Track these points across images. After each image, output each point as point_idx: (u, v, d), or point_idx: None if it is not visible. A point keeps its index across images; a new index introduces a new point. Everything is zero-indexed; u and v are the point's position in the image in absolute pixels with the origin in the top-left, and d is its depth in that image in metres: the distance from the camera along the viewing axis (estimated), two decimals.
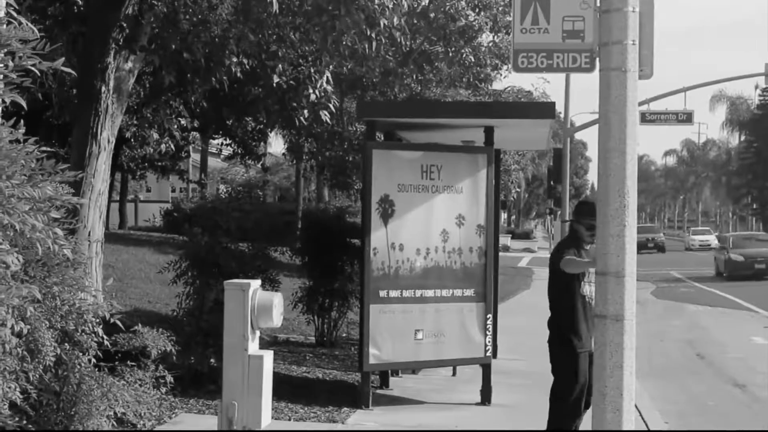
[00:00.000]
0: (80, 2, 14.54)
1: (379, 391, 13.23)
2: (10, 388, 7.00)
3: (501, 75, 29.39)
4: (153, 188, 68.87)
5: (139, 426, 9.63)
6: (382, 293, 12.08)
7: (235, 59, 14.36)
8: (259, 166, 38.26)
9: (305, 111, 15.57)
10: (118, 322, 8.67)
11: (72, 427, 8.23)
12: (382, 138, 14.68)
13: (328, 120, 16.33)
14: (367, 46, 15.16)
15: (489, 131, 12.82)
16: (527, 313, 24.51)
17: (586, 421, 8.90)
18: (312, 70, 15.20)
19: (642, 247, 60.86)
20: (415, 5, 21.47)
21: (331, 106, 15.74)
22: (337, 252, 16.53)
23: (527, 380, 14.35)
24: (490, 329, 12.83)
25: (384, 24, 14.36)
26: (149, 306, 19.50)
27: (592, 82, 8.47)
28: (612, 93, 8.15)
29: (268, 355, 9.51)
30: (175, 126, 30.10)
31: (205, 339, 12.09)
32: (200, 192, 34.38)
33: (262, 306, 9.42)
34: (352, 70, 22.52)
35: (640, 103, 37.71)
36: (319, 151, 28.33)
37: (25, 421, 7.68)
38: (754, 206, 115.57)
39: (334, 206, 18.96)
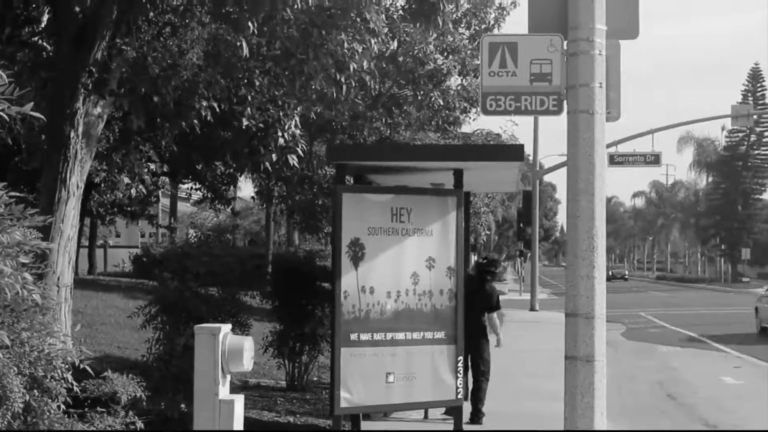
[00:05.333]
0: (49, 48, 14.54)
1: None
2: None
3: (470, 118, 29.48)
4: (122, 233, 68.63)
5: None
6: (353, 336, 12.04)
7: (204, 103, 14.39)
8: (228, 210, 38.16)
9: (273, 155, 15.57)
10: (88, 368, 8.59)
11: None
12: (352, 181, 14.70)
13: (297, 164, 16.34)
14: (335, 90, 15.22)
15: (458, 174, 12.85)
16: (497, 355, 24.48)
17: None
18: (280, 114, 15.22)
19: None
20: (384, 49, 21.57)
21: (299, 149, 15.76)
22: (308, 295, 16.49)
23: (498, 422, 14.33)
24: (461, 372, 12.81)
25: (353, 68, 14.43)
26: (119, 351, 19.38)
27: (561, 125, 8.55)
28: (580, 135, 8.23)
29: (239, 400, 9.47)
30: (146, 170, 30.05)
31: (175, 384, 12.02)
32: (170, 237, 34.30)
33: (233, 350, 9.38)
34: (321, 113, 22.55)
35: (608, 145, 38.01)
36: (288, 194, 28.32)
37: None
38: (723, 247, 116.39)
39: (304, 250, 18.96)
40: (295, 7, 12.86)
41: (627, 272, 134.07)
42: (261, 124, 15.19)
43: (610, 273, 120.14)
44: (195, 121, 14.83)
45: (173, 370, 12.11)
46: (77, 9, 13.18)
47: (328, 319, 15.02)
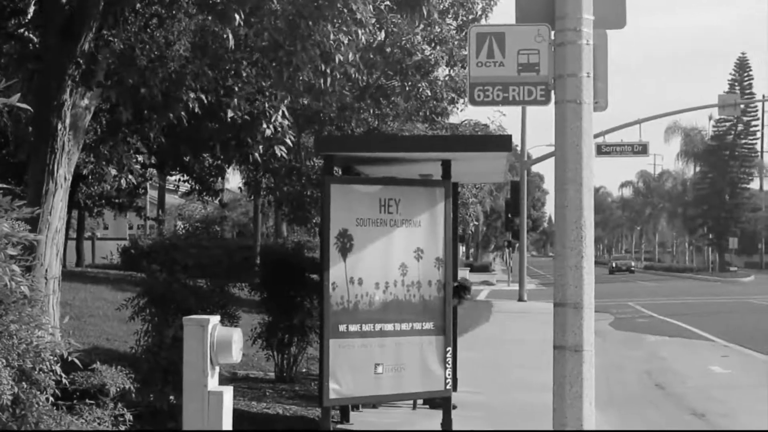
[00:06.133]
0: (36, 40, 14.50)
1: (339, 426, 13.20)
2: None
3: (457, 108, 29.36)
4: (110, 225, 68.45)
5: None
6: (342, 328, 12.04)
7: (192, 95, 14.35)
8: (216, 202, 38.11)
9: (261, 146, 15.55)
10: (76, 360, 8.59)
11: None
12: (340, 172, 14.69)
13: (285, 155, 16.31)
14: (322, 81, 15.19)
15: (446, 165, 12.84)
16: (487, 346, 24.58)
17: None
18: (267, 105, 15.20)
19: None
20: (372, 40, 21.53)
21: (287, 140, 15.73)
22: (296, 287, 16.49)
23: (487, 413, 14.36)
24: (450, 362, 12.83)
25: (339, 59, 14.40)
26: (107, 344, 19.36)
27: (549, 115, 8.56)
28: (568, 125, 8.23)
29: (228, 391, 9.47)
30: (134, 162, 30.00)
31: (164, 376, 12.00)
32: (158, 228, 34.25)
33: (222, 342, 9.38)
34: (309, 105, 22.49)
35: (596, 135, 38.04)
36: (276, 186, 28.26)
37: None
38: (710, 236, 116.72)
39: (292, 241, 18.93)
40: None
41: (633, 263, 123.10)
42: (247, 116, 15.17)
43: (614, 265, 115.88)
44: (182, 112, 14.79)
45: (162, 362, 12.09)
46: (64, 0, 13.15)
47: (316, 311, 15.02)
